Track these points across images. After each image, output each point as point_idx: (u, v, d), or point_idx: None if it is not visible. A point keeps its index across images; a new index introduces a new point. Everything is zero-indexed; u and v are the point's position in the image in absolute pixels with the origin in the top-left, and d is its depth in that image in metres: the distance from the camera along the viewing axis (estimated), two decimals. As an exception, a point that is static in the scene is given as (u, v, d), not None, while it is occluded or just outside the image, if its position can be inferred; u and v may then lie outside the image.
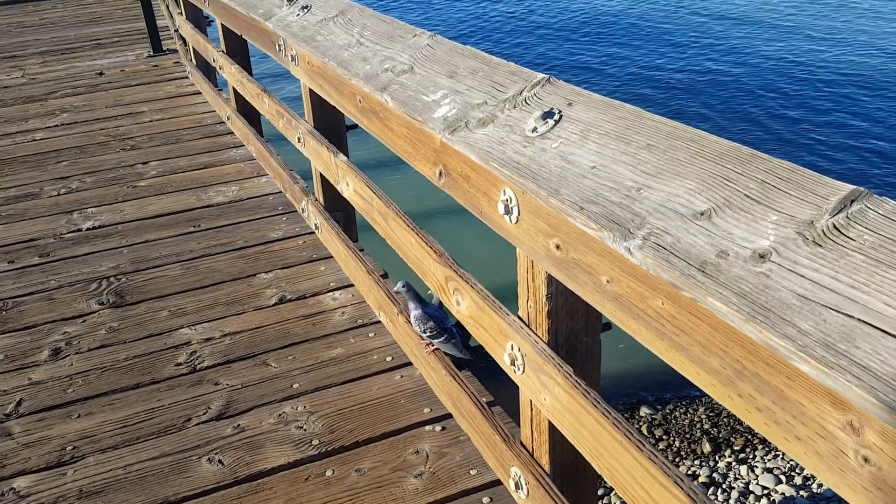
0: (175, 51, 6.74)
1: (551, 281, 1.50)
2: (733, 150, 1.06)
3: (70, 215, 3.75)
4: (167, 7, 7.06)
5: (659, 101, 9.63)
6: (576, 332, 1.60)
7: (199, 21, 5.61)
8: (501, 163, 1.43)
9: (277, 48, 3.11)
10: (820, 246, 0.86)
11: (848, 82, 9.91)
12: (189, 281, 3.07)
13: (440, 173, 1.84)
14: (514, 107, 1.52)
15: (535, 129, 1.41)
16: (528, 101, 1.51)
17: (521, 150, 1.41)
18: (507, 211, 1.51)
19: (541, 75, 1.54)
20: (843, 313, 0.79)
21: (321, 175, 3.04)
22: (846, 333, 0.78)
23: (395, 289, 2.26)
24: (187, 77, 6.01)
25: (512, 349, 1.66)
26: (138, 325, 2.78)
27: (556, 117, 1.39)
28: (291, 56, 2.95)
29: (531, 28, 13.42)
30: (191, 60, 5.86)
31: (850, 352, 0.77)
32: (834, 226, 0.87)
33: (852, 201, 0.88)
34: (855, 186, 0.89)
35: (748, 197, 0.98)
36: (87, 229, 3.58)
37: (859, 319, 0.78)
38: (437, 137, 1.73)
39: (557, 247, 1.36)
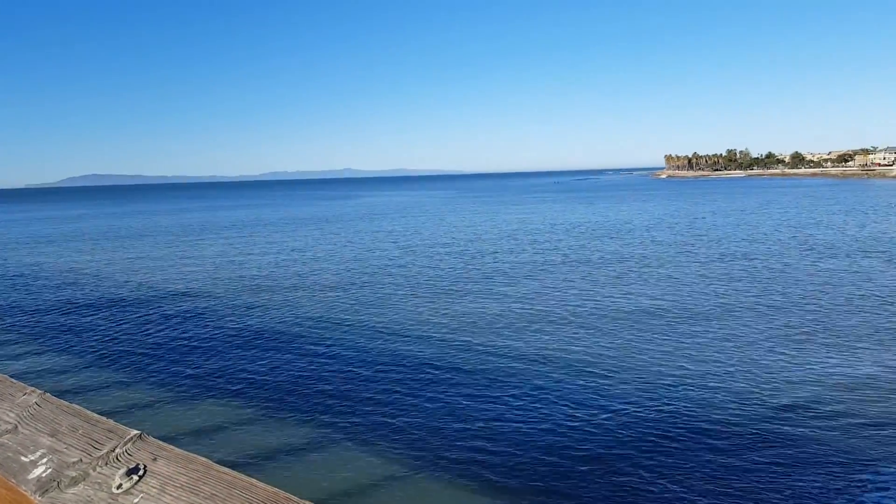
0: None
1: None
2: (274, 495, 1.24)
3: None
4: None
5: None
6: None
7: None
8: (86, 523, 1.44)
9: None
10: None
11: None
12: None
13: (37, 537, 1.75)
14: (107, 464, 1.58)
15: (120, 486, 1.47)
16: (119, 457, 1.58)
17: (105, 509, 1.44)
18: (95, 572, 1.48)
19: (134, 432, 1.63)
20: None
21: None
22: None
23: None
24: None
25: None
26: None
27: (141, 473, 1.48)
28: None
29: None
30: None
31: None
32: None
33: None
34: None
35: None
36: None
37: None
38: (33, 500, 1.68)
39: None
